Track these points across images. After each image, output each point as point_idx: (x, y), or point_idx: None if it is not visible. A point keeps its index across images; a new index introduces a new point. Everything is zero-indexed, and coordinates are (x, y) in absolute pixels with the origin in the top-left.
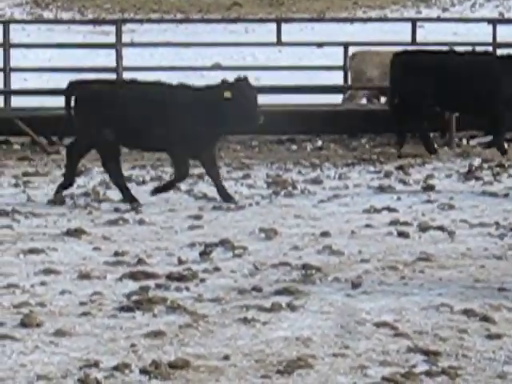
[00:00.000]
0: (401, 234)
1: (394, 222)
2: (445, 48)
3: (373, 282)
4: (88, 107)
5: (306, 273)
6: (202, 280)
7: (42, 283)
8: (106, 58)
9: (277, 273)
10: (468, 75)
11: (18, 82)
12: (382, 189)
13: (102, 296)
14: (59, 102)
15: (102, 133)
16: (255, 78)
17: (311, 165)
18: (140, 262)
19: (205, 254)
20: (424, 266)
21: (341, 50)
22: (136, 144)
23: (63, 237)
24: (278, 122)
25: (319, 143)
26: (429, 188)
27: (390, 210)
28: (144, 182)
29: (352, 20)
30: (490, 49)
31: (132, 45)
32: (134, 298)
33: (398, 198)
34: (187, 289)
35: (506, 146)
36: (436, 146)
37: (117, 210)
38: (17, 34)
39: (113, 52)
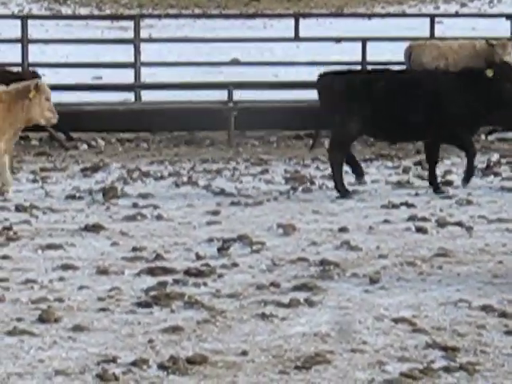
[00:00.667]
0: (419, 230)
1: (412, 218)
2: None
3: (391, 278)
4: (344, 96)
5: (324, 268)
6: (220, 275)
7: (60, 279)
8: (124, 54)
9: (295, 268)
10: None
11: None
12: (400, 184)
13: (120, 291)
14: (77, 97)
15: (351, 123)
16: (273, 74)
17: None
18: (158, 257)
19: (223, 250)
20: (442, 261)
21: (359, 45)
22: (390, 133)
23: (81, 232)
24: (296, 118)
25: None
26: (447, 183)
27: (408, 205)
28: (162, 178)
29: (370, 15)
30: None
31: (150, 40)
32: (152, 293)
33: (416, 194)
34: (205, 284)
35: None
36: None
37: (135, 205)
38: (35, 29)
39: (131, 47)
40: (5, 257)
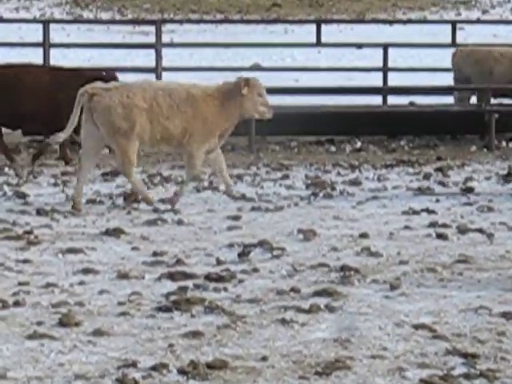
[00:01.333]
0: (440, 236)
1: (432, 224)
2: None
3: (411, 284)
4: None
5: (345, 274)
6: (241, 281)
7: (81, 283)
8: (146, 58)
9: (315, 274)
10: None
11: None
12: (420, 191)
13: (140, 296)
14: None
15: None
16: (294, 79)
17: (350, 166)
18: (178, 262)
19: (243, 255)
20: (463, 268)
21: (380, 51)
22: None
23: (102, 236)
24: (317, 123)
25: (358, 144)
26: (468, 190)
27: (428, 211)
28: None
29: (391, 21)
30: None
31: (171, 45)
32: (173, 298)
33: (437, 200)
34: (225, 289)
35: None
36: (476, 148)
37: (156, 210)
38: (57, 33)
39: (152, 52)
40: (26, 261)
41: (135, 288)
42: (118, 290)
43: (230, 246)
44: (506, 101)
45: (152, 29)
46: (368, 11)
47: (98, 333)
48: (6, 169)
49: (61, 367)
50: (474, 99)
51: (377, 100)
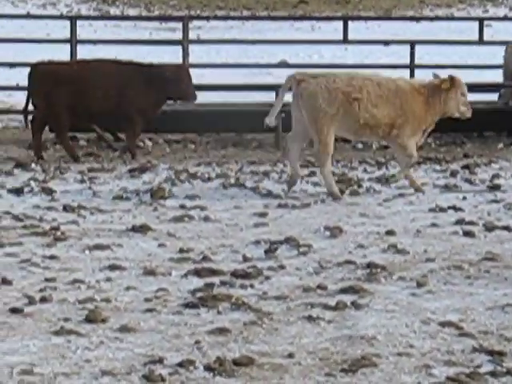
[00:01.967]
0: (466, 234)
1: (459, 222)
2: None
3: (438, 282)
4: None
5: (371, 271)
6: (267, 277)
7: (108, 279)
8: (173, 55)
9: (342, 271)
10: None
11: None
12: (447, 188)
13: (166, 292)
14: None
15: None
16: None
17: (377, 163)
18: (205, 258)
19: (270, 252)
20: (489, 265)
21: (407, 48)
22: None
23: (128, 233)
24: None
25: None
26: (495, 187)
27: (455, 209)
28: (209, 179)
29: (419, 18)
30: None
31: (198, 42)
32: (199, 294)
33: (464, 198)
34: (252, 286)
35: None
36: (503, 145)
37: (182, 206)
38: (83, 30)
39: (179, 49)
40: (52, 257)
41: (162, 284)
42: (144, 287)
43: (257, 242)
44: None
45: (179, 25)
46: (395, 8)
47: (124, 329)
48: (33, 165)
49: (87, 363)
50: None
51: None
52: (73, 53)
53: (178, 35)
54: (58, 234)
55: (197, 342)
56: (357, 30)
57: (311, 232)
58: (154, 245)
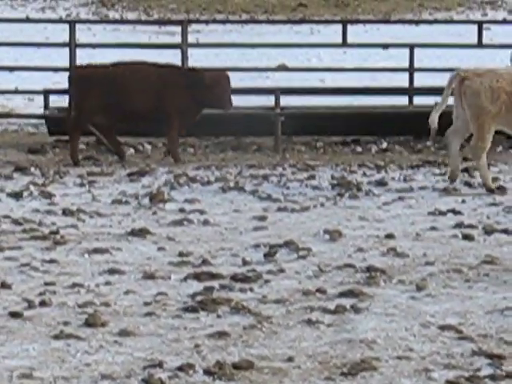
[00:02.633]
0: (466, 237)
1: (458, 225)
2: None
3: (437, 285)
4: None
5: (371, 275)
6: (267, 281)
7: (107, 283)
8: (172, 59)
9: (341, 275)
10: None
11: None
12: (447, 191)
13: (166, 296)
14: None
15: None
16: (320, 79)
17: (376, 166)
18: (204, 262)
19: (269, 256)
20: (489, 269)
21: (406, 51)
22: None
23: (128, 237)
24: (343, 124)
25: (384, 145)
26: (500, 190)
27: (454, 212)
28: (209, 183)
29: (418, 22)
30: None
31: (197, 45)
32: (199, 298)
33: (463, 201)
34: (251, 290)
35: None
36: (502, 148)
37: (181, 210)
38: (82, 33)
39: (178, 52)
40: (52, 261)
41: (161, 288)
42: (143, 291)
43: (256, 246)
44: None
45: (178, 29)
46: (394, 11)
47: (124, 333)
48: (32, 169)
49: (87, 367)
50: None
51: (403, 100)
52: (72, 57)
53: (177, 39)
54: (58, 237)
55: (196, 346)
56: (356, 33)
57: (310, 235)
58: (154, 248)
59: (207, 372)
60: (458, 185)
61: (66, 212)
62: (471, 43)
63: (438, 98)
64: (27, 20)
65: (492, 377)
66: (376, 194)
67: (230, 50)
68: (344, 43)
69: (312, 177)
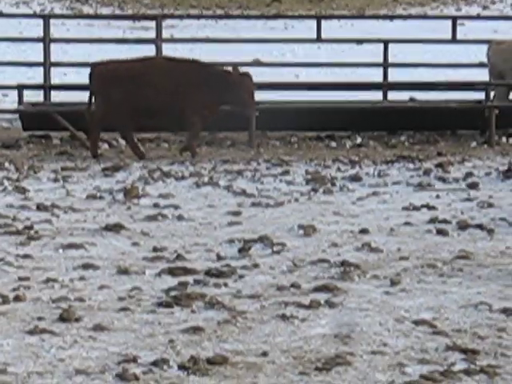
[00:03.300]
0: (440, 232)
1: (433, 220)
2: None
3: (411, 280)
4: None
5: (345, 270)
6: (241, 276)
7: (81, 278)
8: (146, 54)
9: (315, 270)
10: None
11: (57, 76)
12: (421, 186)
13: (140, 291)
14: None
15: None
16: (294, 75)
17: (350, 162)
18: (179, 257)
19: (243, 251)
20: (463, 264)
21: (381, 46)
22: None
23: (102, 232)
24: (317, 119)
25: (358, 140)
26: (469, 186)
27: (429, 207)
28: (183, 178)
29: (392, 17)
30: None
31: (172, 40)
32: (173, 293)
33: (437, 196)
34: (226, 285)
35: None
36: (476, 143)
37: (156, 205)
38: (57, 28)
39: (153, 47)
40: (26, 256)
41: (135, 283)
42: (118, 286)
43: (231, 241)
44: None
45: (152, 24)
46: (368, 7)
47: (98, 328)
48: (6, 164)
49: (61, 362)
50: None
51: (377, 96)
52: (46, 52)
53: (152, 34)
54: (32, 233)
55: (171, 341)
56: (330, 28)
57: (285, 231)
58: (128, 244)
59: (181, 367)
60: (432, 180)
61: (40, 207)
62: (445, 38)
63: (412, 93)
64: (1, 15)
65: (466, 371)
66: (350, 189)
67: (204, 45)
68: (318, 38)
69: (286, 172)
